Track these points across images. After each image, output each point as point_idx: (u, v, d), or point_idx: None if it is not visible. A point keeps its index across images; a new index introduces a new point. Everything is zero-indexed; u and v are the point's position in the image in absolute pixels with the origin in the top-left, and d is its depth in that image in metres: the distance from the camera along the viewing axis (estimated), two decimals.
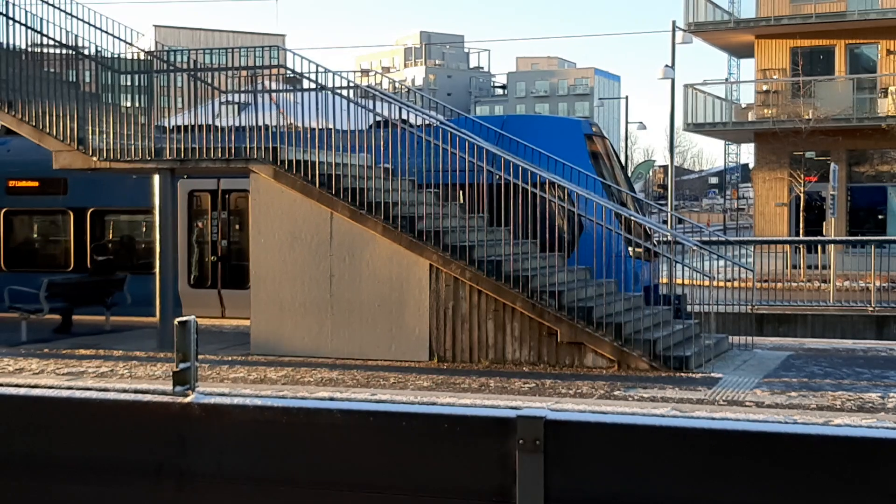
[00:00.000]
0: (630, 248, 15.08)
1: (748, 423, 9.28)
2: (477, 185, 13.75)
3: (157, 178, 14.89)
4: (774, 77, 36.40)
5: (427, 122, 14.10)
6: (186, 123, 14.41)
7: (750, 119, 36.72)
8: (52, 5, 15.06)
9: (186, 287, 18.58)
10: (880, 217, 34.66)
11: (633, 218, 14.01)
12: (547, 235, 13.59)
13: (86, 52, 15.36)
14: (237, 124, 14.26)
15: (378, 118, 14.11)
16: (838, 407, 10.18)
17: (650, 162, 78.89)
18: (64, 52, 15.38)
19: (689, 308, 14.89)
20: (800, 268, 26.81)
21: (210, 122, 14.31)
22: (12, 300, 16.31)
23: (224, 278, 18.93)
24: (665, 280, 15.48)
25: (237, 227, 19.06)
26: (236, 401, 10.56)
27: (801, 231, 32.94)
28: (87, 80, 15.82)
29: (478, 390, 11.21)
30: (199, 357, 11.14)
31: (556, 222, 14.44)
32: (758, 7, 36.99)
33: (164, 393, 10.82)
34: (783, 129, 33.03)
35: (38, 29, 15.22)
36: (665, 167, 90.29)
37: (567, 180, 14.14)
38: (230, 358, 13.72)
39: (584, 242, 14.69)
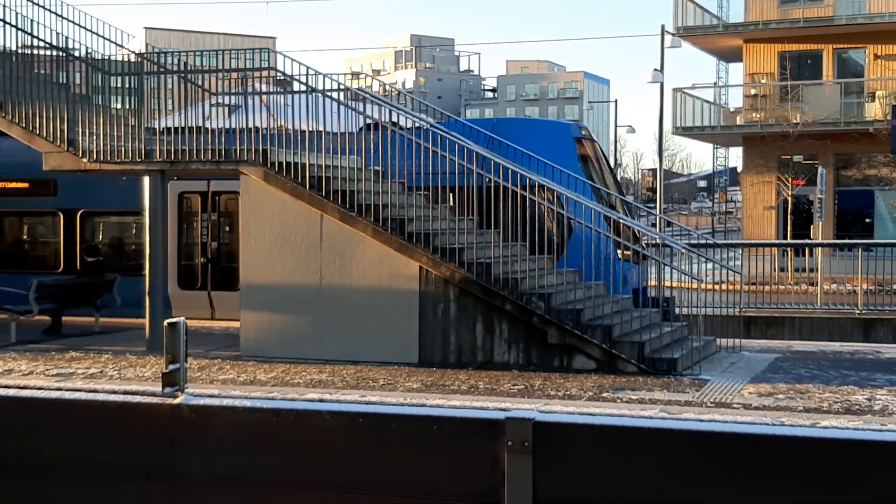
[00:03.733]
0: (619, 251, 15.09)
1: (736, 426, 9.29)
2: (467, 187, 13.75)
3: (146, 179, 14.85)
4: (762, 81, 36.50)
5: (417, 124, 14.09)
6: (176, 125, 14.37)
7: (738, 123, 36.82)
8: (43, 7, 15.02)
9: (176, 289, 18.54)
10: (867, 220, 34.76)
11: (621, 221, 14.02)
12: (536, 238, 13.60)
13: (76, 53, 15.32)
14: (227, 126, 14.23)
15: (368, 121, 14.10)
16: (825, 409, 10.20)
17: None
18: (54, 53, 15.34)
19: (677, 311, 14.91)
20: (787, 271, 26.87)
21: (200, 124, 14.28)
22: (1, 301, 16.27)
23: (214, 280, 18.89)
24: (653, 283, 15.49)
25: (227, 228, 19.03)
26: (226, 402, 10.54)
27: (788, 234, 33.01)
28: (78, 81, 15.78)
29: (467, 392, 11.21)
30: (189, 358, 11.14)
31: (546, 225, 14.44)
32: (746, 11, 37.09)
33: (153, 394, 10.80)
34: (771, 133, 33.12)
35: (29, 31, 15.18)
36: (654, 170, 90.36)
37: (556, 183, 14.15)
38: (219, 360, 13.69)
39: (573, 245, 14.70)
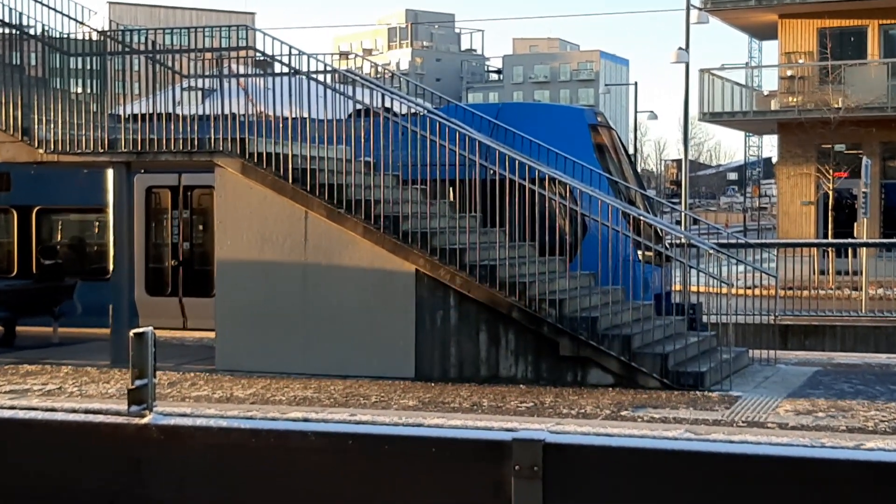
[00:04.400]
0: (639, 252, 15.09)
1: (770, 447, 9.30)
2: (469, 180, 13.76)
3: (110, 172, 14.86)
4: (800, 61, 36.48)
5: (413, 110, 14.09)
6: (144, 112, 14.38)
7: (773, 108, 36.78)
8: None
9: (143, 294, 18.55)
10: None
11: (642, 218, 14.03)
12: (547, 237, 13.60)
13: (31, 31, 15.32)
14: (201, 113, 14.24)
15: (358, 106, 14.11)
16: (871, 429, 10.21)
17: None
18: (7, 31, 15.34)
19: (704, 318, 14.92)
20: (828, 273, 26.89)
21: (170, 110, 14.29)
22: None
23: (186, 285, 18.89)
24: (678, 287, 15.48)
25: (200, 227, 19.04)
26: (199, 422, 10.55)
27: (829, 233, 33.00)
28: (33, 63, 15.78)
29: (469, 410, 11.22)
30: (158, 373, 11.14)
31: (557, 223, 14.45)
32: None
33: (118, 413, 10.81)
34: (810, 120, 33.08)
35: None
36: (678, 161, 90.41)
37: (569, 176, 14.15)
38: (192, 374, 13.70)
39: (588, 245, 14.71)
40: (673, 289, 16.75)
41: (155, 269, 19.10)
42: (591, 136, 17.87)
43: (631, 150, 60.96)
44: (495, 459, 9.58)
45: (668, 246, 14.87)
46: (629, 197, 17.48)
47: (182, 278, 18.95)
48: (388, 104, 13.94)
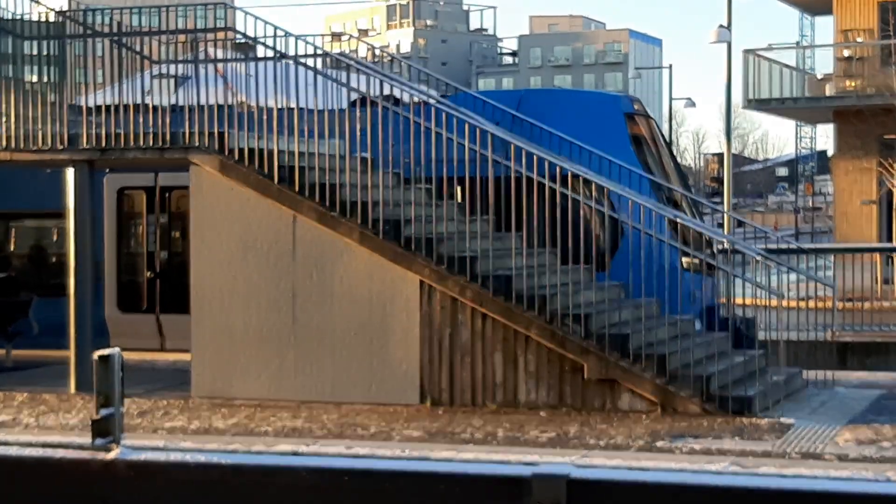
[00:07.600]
0: (682, 260, 15.05)
1: (828, 482, 9.28)
2: (481, 179, 13.76)
3: (71, 172, 14.88)
4: (859, 39, 36.45)
5: (417, 99, 14.10)
6: (109, 103, 14.40)
7: (828, 93, 36.74)
8: None
9: (115, 311, 18.56)
10: None
11: (688, 225, 13.96)
12: (570, 243, 13.58)
13: None
14: (174, 104, 14.25)
15: (354, 95, 14.12)
16: None
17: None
18: None
19: (752, 335, 14.89)
20: (893, 283, 26.83)
21: (139, 101, 14.31)
22: None
23: (164, 300, 18.84)
24: (722, 299, 15.44)
25: (180, 234, 19.02)
26: (173, 457, 10.55)
27: (894, 236, 32.96)
28: None
29: (482, 442, 11.22)
30: (126, 401, 11.14)
31: (585, 228, 14.44)
32: None
33: (81, 447, 10.82)
34: (870, 107, 33.03)
35: None
36: (720, 155, 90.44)
37: (603, 173, 14.14)
38: (165, 402, 13.71)
39: (622, 255, 14.70)
40: (718, 301, 16.73)
41: (128, 281, 19.09)
42: (628, 127, 17.84)
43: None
44: (513, 498, 9.57)
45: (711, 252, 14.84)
46: (672, 198, 17.42)
47: (159, 292, 18.92)
48: (387, 92, 13.95)
